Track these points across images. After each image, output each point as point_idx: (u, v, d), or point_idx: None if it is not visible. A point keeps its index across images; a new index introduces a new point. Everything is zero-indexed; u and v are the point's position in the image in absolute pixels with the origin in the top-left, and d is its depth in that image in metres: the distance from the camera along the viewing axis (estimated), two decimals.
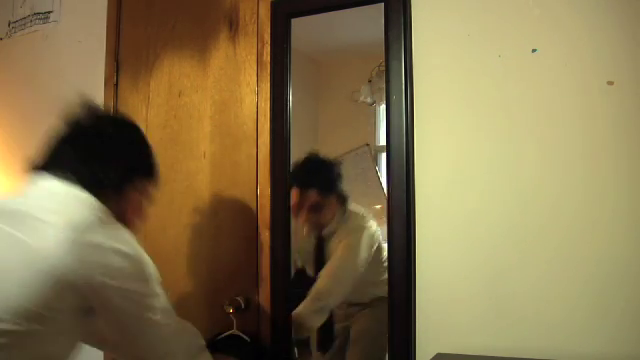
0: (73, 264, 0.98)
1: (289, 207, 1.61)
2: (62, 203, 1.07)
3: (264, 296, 1.62)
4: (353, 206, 1.65)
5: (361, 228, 1.61)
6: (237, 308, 1.59)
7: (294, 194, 1.60)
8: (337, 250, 1.62)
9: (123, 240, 1.07)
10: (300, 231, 1.65)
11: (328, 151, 1.72)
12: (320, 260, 1.65)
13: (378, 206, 1.56)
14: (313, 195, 1.62)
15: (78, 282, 0.99)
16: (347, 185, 1.67)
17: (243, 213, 1.68)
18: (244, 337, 1.55)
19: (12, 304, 0.95)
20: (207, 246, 1.73)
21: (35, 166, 1.16)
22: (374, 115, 1.61)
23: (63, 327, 1.01)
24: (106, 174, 1.14)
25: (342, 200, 1.64)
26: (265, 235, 1.62)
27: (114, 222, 1.11)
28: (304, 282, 1.63)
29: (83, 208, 1.07)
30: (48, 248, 0.98)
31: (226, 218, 1.71)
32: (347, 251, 1.62)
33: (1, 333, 0.93)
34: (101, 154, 1.17)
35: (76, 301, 1.00)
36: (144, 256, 1.10)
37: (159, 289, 1.12)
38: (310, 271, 1.66)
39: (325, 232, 1.66)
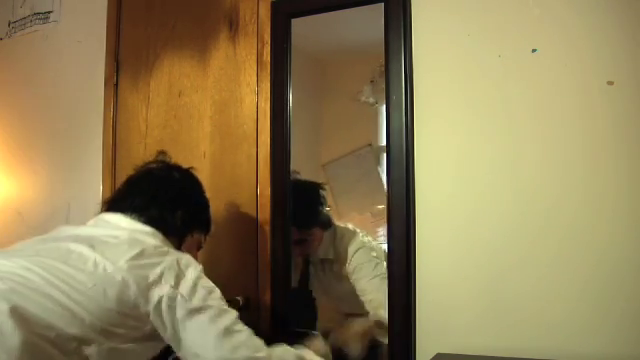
0: (132, 283, 1.08)
1: (289, 207, 1.61)
2: (127, 232, 1.19)
3: (264, 296, 1.62)
4: (339, 223, 1.67)
5: (365, 250, 1.62)
6: (237, 308, 1.58)
7: None
8: (365, 283, 1.61)
9: (184, 259, 1.17)
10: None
11: (331, 152, 1.72)
12: (306, 279, 1.68)
13: (381, 206, 1.56)
14: (293, 231, 1.63)
15: (137, 300, 1.08)
16: (348, 187, 1.67)
17: (243, 213, 1.68)
18: None
19: (89, 317, 1.04)
20: (207, 246, 1.73)
21: (106, 203, 1.30)
22: (376, 115, 1.61)
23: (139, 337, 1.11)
24: (173, 218, 1.29)
25: (326, 225, 1.66)
26: (265, 235, 1.62)
27: (175, 250, 1.23)
28: (302, 299, 1.67)
29: (146, 237, 1.19)
30: (115, 267, 1.08)
31: (226, 218, 1.71)
32: (375, 278, 1.59)
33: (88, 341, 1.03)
34: (171, 200, 1.30)
35: (135, 322, 1.10)
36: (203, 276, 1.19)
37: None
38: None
39: (315, 258, 1.67)
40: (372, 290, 1.58)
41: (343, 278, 1.64)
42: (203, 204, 1.41)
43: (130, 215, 1.24)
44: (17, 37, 2.19)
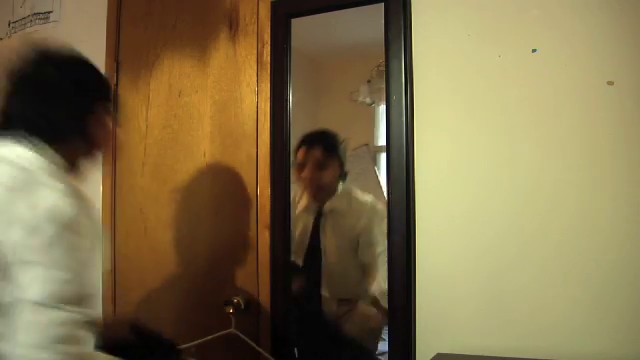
0: None
1: (289, 207, 1.61)
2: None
3: (264, 296, 1.62)
4: (351, 185, 1.67)
5: (375, 219, 1.61)
6: (237, 308, 1.59)
7: (301, 153, 1.63)
8: (371, 256, 1.61)
9: (53, 194, 0.96)
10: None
11: None
12: (317, 235, 1.66)
13: (378, 206, 1.57)
14: (318, 152, 1.63)
15: None
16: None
17: (243, 213, 1.68)
18: (241, 336, 1.55)
19: None
20: (207, 246, 1.73)
21: None
22: (373, 115, 1.61)
23: None
24: (61, 115, 1.08)
25: (343, 171, 1.66)
26: (265, 235, 1.62)
27: (55, 180, 1.00)
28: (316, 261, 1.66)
29: (11, 168, 0.99)
30: None
31: (226, 218, 1.71)
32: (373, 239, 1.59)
33: None
34: (50, 96, 1.09)
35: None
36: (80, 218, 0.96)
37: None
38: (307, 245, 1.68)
39: (325, 208, 1.67)
40: (377, 265, 1.56)
41: (348, 237, 1.64)
42: (89, 73, 1.18)
43: (11, 139, 1.03)
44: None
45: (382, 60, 1.48)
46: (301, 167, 1.62)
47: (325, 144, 1.65)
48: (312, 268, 1.67)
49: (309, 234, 1.66)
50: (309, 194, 1.65)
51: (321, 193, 1.67)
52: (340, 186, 1.66)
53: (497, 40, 1.37)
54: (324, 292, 1.67)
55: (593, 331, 1.24)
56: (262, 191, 1.64)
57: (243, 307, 1.60)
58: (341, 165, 1.66)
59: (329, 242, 1.67)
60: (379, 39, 1.47)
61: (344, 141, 1.67)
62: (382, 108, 1.50)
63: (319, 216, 1.66)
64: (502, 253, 1.34)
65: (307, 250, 1.67)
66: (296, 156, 1.62)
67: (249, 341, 1.55)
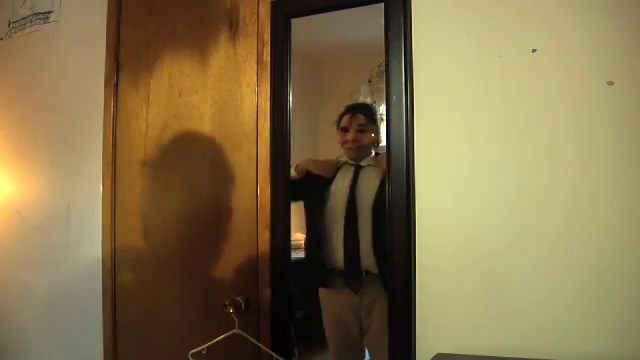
0: None
1: (289, 207, 1.61)
2: None
3: (264, 296, 1.62)
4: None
5: None
6: (237, 308, 1.59)
7: (346, 118, 1.72)
8: None
9: None
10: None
11: (328, 151, 1.73)
12: (355, 187, 1.73)
13: None
14: (361, 118, 1.71)
15: None
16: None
17: (243, 213, 1.68)
18: (246, 336, 1.55)
19: None
20: (207, 246, 1.73)
21: None
22: None
23: None
24: None
25: (378, 136, 1.75)
26: (265, 235, 1.62)
27: None
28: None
29: None
30: None
31: (226, 218, 1.71)
32: None
33: None
34: None
35: None
36: None
37: None
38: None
39: (363, 163, 1.74)
40: None
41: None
42: None
43: None
44: (17, 37, 2.19)
45: (382, 60, 1.49)
46: (345, 130, 1.73)
47: (366, 112, 1.75)
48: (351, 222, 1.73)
49: (348, 186, 1.74)
50: (350, 153, 1.74)
51: (360, 153, 1.74)
52: (373, 151, 1.76)
53: (497, 40, 1.37)
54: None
55: (593, 330, 1.24)
56: (262, 191, 1.64)
57: (243, 307, 1.60)
58: (377, 132, 1.75)
59: (363, 195, 1.72)
60: (379, 39, 1.47)
61: (381, 114, 1.75)
62: (383, 108, 1.50)
63: (357, 170, 1.74)
64: (503, 254, 1.34)
65: (347, 204, 1.74)
66: (340, 122, 1.74)
67: (256, 342, 1.55)
